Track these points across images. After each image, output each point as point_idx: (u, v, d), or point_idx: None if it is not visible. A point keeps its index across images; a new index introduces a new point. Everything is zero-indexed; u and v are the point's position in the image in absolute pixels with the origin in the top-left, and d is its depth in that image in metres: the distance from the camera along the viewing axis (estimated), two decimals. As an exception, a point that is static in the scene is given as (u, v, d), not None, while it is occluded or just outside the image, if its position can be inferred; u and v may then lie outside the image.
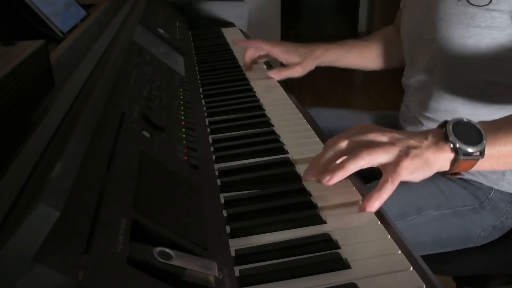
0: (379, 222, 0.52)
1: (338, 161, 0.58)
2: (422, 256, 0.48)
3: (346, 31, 4.87)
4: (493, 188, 0.86)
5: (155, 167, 0.50)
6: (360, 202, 0.56)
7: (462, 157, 0.57)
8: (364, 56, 1.14)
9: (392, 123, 1.12)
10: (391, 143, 0.57)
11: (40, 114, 0.46)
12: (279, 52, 1.07)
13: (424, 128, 0.93)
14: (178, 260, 0.37)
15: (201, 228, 0.46)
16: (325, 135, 0.76)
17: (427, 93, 0.91)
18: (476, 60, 0.82)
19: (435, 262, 0.88)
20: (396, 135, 0.58)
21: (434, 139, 0.58)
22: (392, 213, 0.80)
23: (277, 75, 1.06)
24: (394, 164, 0.55)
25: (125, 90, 0.62)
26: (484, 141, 0.58)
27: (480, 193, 0.86)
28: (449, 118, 0.63)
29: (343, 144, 0.58)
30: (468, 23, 0.80)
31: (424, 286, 0.42)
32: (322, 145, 0.71)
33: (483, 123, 0.61)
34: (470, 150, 0.57)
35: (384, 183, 0.55)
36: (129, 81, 0.66)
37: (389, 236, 0.50)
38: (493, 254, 0.89)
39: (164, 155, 0.54)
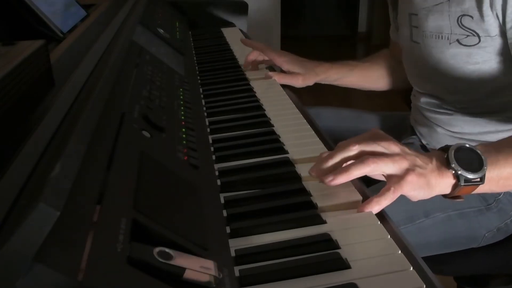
0: (379, 222, 0.52)
1: (344, 165, 0.58)
2: (424, 257, 0.48)
3: (346, 31, 4.86)
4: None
5: (155, 167, 0.50)
6: (361, 202, 0.56)
7: (463, 184, 0.58)
8: (366, 76, 1.16)
9: (393, 124, 1.12)
10: (401, 155, 0.57)
11: (40, 114, 0.46)
12: (283, 61, 1.07)
13: (437, 130, 0.96)
14: (178, 260, 0.37)
15: (201, 228, 0.46)
16: (325, 135, 0.76)
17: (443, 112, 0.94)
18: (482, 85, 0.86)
19: (435, 262, 0.88)
20: (406, 149, 0.59)
21: (437, 163, 0.59)
22: (400, 217, 0.81)
23: (278, 77, 1.05)
24: (400, 177, 0.56)
25: (125, 90, 0.62)
26: (485, 168, 0.59)
27: (489, 194, 0.86)
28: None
29: (354, 148, 0.58)
30: (467, 61, 0.84)
31: (424, 286, 0.42)
32: (322, 145, 0.71)
33: (484, 146, 0.62)
34: (470, 176, 0.58)
35: (387, 191, 0.56)
36: (129, 81, 0.66)
37: (389, 236, 0.50)
38: (495, 254, 0.89)
39: (164, 155, 0.54)
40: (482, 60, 0.83)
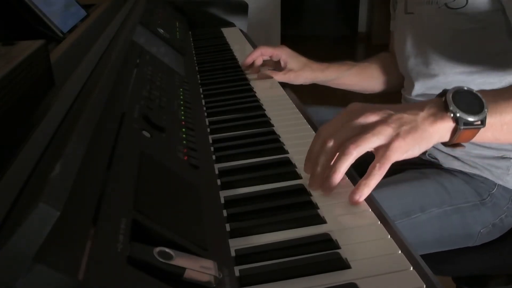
0: (379, 222, 0.52)
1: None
2: (422, 256, 0.48)
3: (346, 31, 4.86)
4: (496, 184, 0.86)
5: (155, 167, 0.50)
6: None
7: (463, 127, 0.55)
8: (363, 76, 1.15)
9: None
10: (382, 122, 0.54)
11: (40, 114, 0.46)
12: (283, 53, 1.08)
13: None
14: (178, 260, 0.37)
15: (201, 228, 0.46)
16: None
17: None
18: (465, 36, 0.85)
19: (435, 262, 0.88)
20: (388, 111, 0.56)
21: (432, 109, 0.56)
22: (396, 211, 0.80)
23: (272, 74, 1.05)
24: (385, 147, 0.54)
25: (125, 90, 0.62)
26: (485, 110, 0.56)
27: (483, 188, 0.86)
28: None
29: (330, 145, 0.56)
30: (454, 18, 0.83)
31: (424, 286, 0.42)
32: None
33: (483, 91, 0.59)
34: (471, 119, 0.55)
35: (372, 169, 0.54)
36: (129, 81, 0.66)
37: (389, 236, 0.50)
38: (492, 254, 0.90)
39: (164, 155, 0.54)
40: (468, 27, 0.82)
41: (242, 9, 1.60)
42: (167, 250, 0.37)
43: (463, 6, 0.81)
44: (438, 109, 0.56)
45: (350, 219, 0.53)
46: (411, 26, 0.95)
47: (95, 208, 0.37)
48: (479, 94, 0.57)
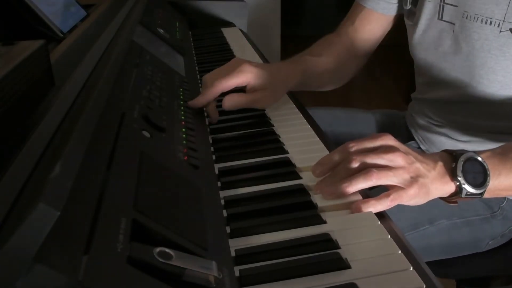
0: (379, 222, 0.52)
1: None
2: (427, 262, 0.48)
3: (346, 31, 4.84)
4: (506, 197, 0.85)
5: (155, 167, 0.50)
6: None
7: (463, 196, 0.59)
8: (321, 78, 0.99)
9: (388, 122, 1.12)
10: (404, 168, 0.57)
11: (40, 114, 0.46)
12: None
13: (441, 138, 0.92)
14: (178, 260, 0.37)
15: (201, 228, 0.46)
16: (325, 135, 0.76)
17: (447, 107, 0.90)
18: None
19: (439, 266, 0.87)
20: (411, 158, 0.58)
21: (441, 170, 0.59)
22: (404, 224, 0.80)
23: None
24: (402, 188, 0.56)
25: (125, 90, 0.62)
26: (488, 183, 0.59)
27: (493, 202, 0.86)
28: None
29: (356, 160, 0.57)
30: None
31: (424, 286, 0.42)
32: (322, 145, 0.71)
33: (490, 156, 0.61)
34: (473, 191, 0.59)
35: (385, 197, 0.56)
36: (129, 81, 0.66)
37: (389, 236, 0.50)
38: (498, 258, 0.89)
39: (164, 155, 0.54)
40: None
41: (242, 9, 1.60)
42: (167, 250, 0.37)
43: None
44: (446, 173, 0.59)
45: (350, 219, 0.53)
46: (451, 37, 0.83)
47: (95, 208, 0.37)
48: (486, 166, 0.60)
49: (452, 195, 0.60)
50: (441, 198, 0.62)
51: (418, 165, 0.58)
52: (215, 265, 0.39)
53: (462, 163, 0.58)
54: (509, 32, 0.74)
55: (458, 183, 0.58)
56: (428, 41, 0.90)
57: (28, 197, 0.32)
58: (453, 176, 0.59)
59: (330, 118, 1.11)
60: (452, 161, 0.60)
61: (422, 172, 0.57)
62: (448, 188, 0.59)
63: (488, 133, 0.87)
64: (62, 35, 0.81)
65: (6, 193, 0.33)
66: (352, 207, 0.55)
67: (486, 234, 0.86)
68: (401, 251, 0.47)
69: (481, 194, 0.59)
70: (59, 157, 0.35)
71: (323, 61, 0.97)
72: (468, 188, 0.58)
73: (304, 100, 0.92)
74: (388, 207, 0.56)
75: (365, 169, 0.56)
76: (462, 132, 0.90)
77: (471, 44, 0.80)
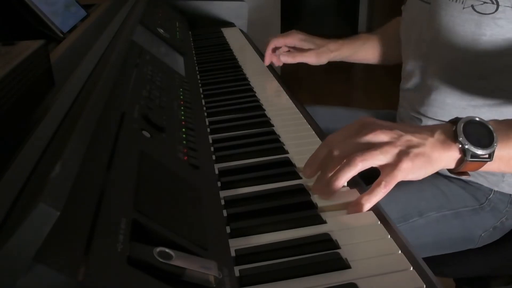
0: (379, 222, 0.52)
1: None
2: (423, 258, 0.48)
3: (346, 31, 4.85)
4: (492, 189, 0.86)
5: (155, 167, 0.50)
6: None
7: (469, 159, 0.55)
8: (378, 50, 1.14)
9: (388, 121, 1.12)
10: (390, 143, 0.54)
11: (40, 114, 0.46)
12: (295, 39, 1.10)
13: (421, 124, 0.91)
14: (178, 260, 0.37)
15: (201, 228, 0.46)
16: (325, 135, 0.76)
17: (423, 90, 0.90)
18: (476, 64, 0.81)
19: (436, 264, 0.88)
20: (398, 131, 0.55)
21: (441, 136, 0.56)
22: (394, 215, 0.80)
23: (290, 58, 1.07)
24: (392, 166, 0.53)
25: (125, 90, 0.62)
26: (495, 144, 0.56)
27: (480, 194, 0.86)
28: (445, 113, 0.57)
29: (337, 152, 0.55)
30: (473, 32, 0.78)
31: (424, 286, 0.42)
32: (322, 145, 0.71)
33: (496, 122, 0.58)
34: (478, 152, 0.55)
35: (377, 186, 0.54)
36: (129, 81, 0.66)
37: (389, 236, 0.50)
38: (493, 255, 0.89)
39: (164, 155, 0.54)
40: (490, 33, 0.76)
41: (242, 9, 1.60)
42: (167, 250, 0.37)
43: (492, 12, 0.75)
44: (447, 137, 0.56)
45: (350, 219, 0.53)
46: (427, 17, 0.87)
47: (95, 208, 0.37)
48: (490, 127, 0.57)
49: (459, 162, 0.56)
50: (450, 171, 0.58)
51: (408, 137, 0.55)
52: (215, 265, 0.39)
53: (462, 124, 0.55)
54: (471, 8, 0.77)
55: (460, 145, 0.55)
56: (410, 24, 0.95)
57: (28, 197, 0.32)
58: (455, 139, 0.55)
59: (329, 116, 1.12)
60: (452, 126, 0.57)
61: (414, 143, 0.54)
62: (452, 154, 0.56)
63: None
64: (62, 35, 0.81)
65: (6, 193, 0.33)
66: (349, 211, 0.54)
67: (477, 226, 0.85)
68: (401, 251, 0.47)
69: (490, 156, 0.55)
70: (59, 157, 0.35)
71: (379, 33, 1.14)
72: (473, 149, 0.54)
73: (304, 99, 0.92)
74: (385, 193, 0.53)
75: (348, 157, 0.54)
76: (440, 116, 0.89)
77: (439, 21, 0.83)
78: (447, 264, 0.91)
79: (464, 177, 0.59)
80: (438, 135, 0.56)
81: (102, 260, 0.33)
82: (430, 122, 0.89)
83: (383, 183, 0.53)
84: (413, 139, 0.55)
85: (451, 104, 0.85)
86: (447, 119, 0.60)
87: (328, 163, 0.56)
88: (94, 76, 0.59)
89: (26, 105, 0.48)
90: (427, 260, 0.48)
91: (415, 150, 0.54)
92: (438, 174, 0.90)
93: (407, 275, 0.44)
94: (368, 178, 0.68)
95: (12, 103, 0.44)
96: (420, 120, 0.92)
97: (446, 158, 0.56)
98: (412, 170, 0.54)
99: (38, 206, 0.29)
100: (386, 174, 0.54)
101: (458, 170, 0.57)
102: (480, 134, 0.56)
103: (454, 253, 0.88)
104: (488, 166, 0.57)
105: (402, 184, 0.86)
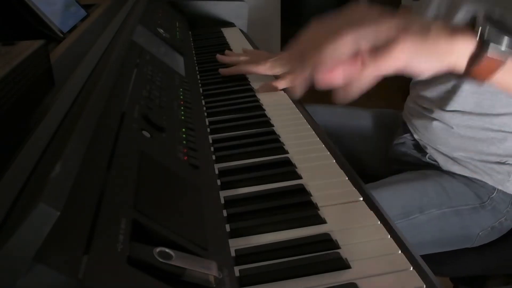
0: (379, 222, 0.52)
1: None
2: (421, 257, 0.48)
3: (346, 31, 4.84)
4: (496, 188, 0.86)
5: (155, 167, 0.50)
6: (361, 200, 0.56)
7: (490, 51, 0.43)
8: None
9: (387, 120, 1.12)
10: (388, 21, 0.44)
11: (40, 114, 0.46)
12: (266, 70, 1.00)
13: (434, 123, 0.89)
14: (178, 260, 0.37)
15: (201, 228, 0.46)
16: (326, 136, 0.76)
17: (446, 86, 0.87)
18: None
19: (433, 263, 0.88)
20: (390, 16, 0.45)
21: (451, 25, 0.45)
22: (395, 211, 0.80)
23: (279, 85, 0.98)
24: (388, 41, 0.42)
25: (125, 90, 0.62)
26: None
27: (483, 192, 0.86)
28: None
29: (322, 32, 0.45)
30: None
31: (424, 286, 0.42)
32: (322, 145, 0.71)
33: None
34: (506, 40, 0.43)
35: (366, 59, 0.43)
36: (129, 81, 0.66)
37: (389, 236, 0.50)
38: (490, 255, 0.90)
39: (164, 155, 0.54)
40: None
41: (242, 9, 1.60)
42: (167, 250, 0.37)
43: None
44: (462, 26, 0.45)
45: (350, 219, 0.53)
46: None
47: (95, 208, 0.37)
48: None
49: (473, 58, 0.44)
50: (460, 76, 0.47)
51: (410, 20, 0.44)
52: (215, 265, 0.39)
53: (482, 14, 0.44)
54: None
55: (480, 30, 0.43)
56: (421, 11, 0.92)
57: (28, 197, 0.32)
58: (472, 27, 0.44)
59: (329, 115, 1.12)
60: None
61: (418, 23, 0.44)
62: (466, 42, 0.44)
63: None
64: (62, 35, 0.81)
65: (6, 193, 0.33)
66: (335, 100, 0.45)
67: (476, 225, 0.86)
68: (401, 251, 0.47)
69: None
70: (59, 157, 0.35)
71: None
72: (495, 36, 0.42)
73: (304, 98, 0.92)
74: (376, 70, 0.43)
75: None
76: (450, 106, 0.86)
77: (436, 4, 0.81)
78: (445, 263, 0.91)
79: (479, 82, 0.47)
80: (446, 24, 0.45)
81: (102, 260, 0.33)
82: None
83: (378, 56, 0.42)
84: (416, 21, 0.44)
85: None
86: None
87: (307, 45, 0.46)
88: (94, 76, 0.59)
89: (26, 105, 0.48)
90: (424, 258, 0.48)
91: (417, 27, 0.44)
92: (441, 171, 0.90)
93: (407, 275, 0.44)
94: (368, 178, 0.68)
95: (12, 103, 0.44)
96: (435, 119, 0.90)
97: (458, 48, 0.45)
98: (412, 49, 0.43)
99: (38, 206, 0.29)
100: (381, 49, 0.43)
101: (468, 71, 0.46)
102: (502, 27, 0.44)
103: (451, 251, 0.89)
104: (502, 79, 0.46)
105: (404, 181, 0.85)
